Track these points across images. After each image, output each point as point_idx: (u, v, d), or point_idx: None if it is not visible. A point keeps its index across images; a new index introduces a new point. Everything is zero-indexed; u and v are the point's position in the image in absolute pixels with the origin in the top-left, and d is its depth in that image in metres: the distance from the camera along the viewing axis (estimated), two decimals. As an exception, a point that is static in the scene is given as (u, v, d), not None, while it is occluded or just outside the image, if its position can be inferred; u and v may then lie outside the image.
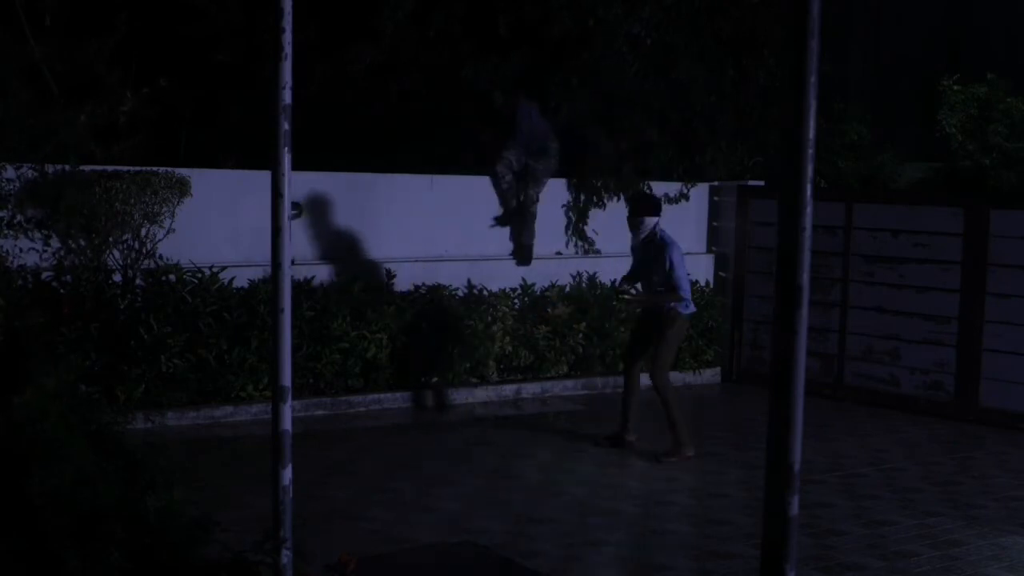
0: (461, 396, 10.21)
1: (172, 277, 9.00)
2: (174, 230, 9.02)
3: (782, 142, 2.68)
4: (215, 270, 9.21)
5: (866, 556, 6.37)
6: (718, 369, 11.94)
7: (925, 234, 10.47)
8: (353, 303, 9.71)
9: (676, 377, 11.44)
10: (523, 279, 11.03)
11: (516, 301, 10.79)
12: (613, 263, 11.14)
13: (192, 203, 9.18)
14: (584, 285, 11.25)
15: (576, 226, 11.61)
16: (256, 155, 9.32)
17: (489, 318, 10.38)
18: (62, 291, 8.54)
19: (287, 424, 4.22)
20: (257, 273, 9.41)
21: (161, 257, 9.02)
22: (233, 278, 9.27)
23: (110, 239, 8.77)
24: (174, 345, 8.73)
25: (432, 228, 10.83)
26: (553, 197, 11.52)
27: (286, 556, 4.18)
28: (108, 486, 4.23)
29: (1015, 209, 9.95)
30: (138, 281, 8.94)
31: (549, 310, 10.77)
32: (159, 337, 8.65)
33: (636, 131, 11.59)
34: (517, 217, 11.06)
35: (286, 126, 4.11)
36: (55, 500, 4.02)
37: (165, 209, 8.92)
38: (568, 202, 11.58)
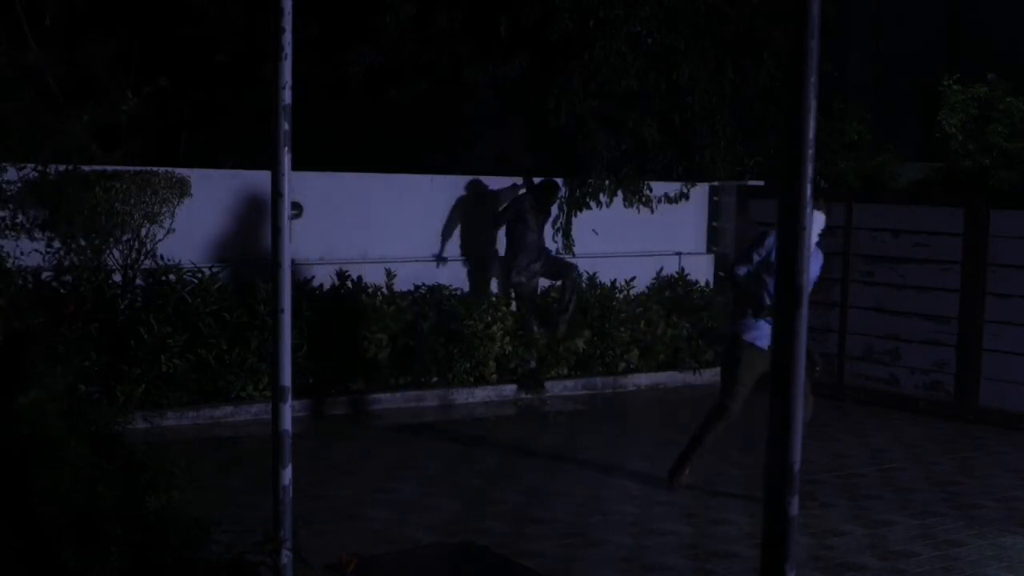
0: (461, 396, 10.21)
1: (172, 277, 9.01)
2: (174, 230, 9.02)
3: (782, 142, 2.68)
4: (215, 269, 9.22)
5: (866, 556, 6.37)
6: (718, 369, 11.90)
7: (925, 234, 10.47)
8: (353, 303, 9.71)
9: (676, 377, 11.48)
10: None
11: (516, 302, 10.79)
12: (613, 263, 11.16)
13: (191, 203, 9.18)
14: (584, 285, 11.25)
15: (567, 226, 11.61)
16: (256, 155, 9.35)
17: (489, 318, 10.38)
18: (62, 291, 8.55)
19: (287, 424, 4.22)
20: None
21: (161, 257, 9.03)
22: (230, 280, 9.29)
23: (110, 239, 8.77)
24: (174, 345, 8.73)
25: (432, 228, 10.83)
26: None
27: (286, 556, 4.18)
28: (108, 486, 4.23)
29: (1015, 209, 9.95)
30: (138, 281, 8.95)
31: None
32: (159, 337, 8.65)
33: (636, 131, 11.59)
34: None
35: (286, 126, 4.11)
36: (55, 500, 4.02)
37: (165, 209, 8.93)
38: (564, 201, 11.58)
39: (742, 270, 7.15)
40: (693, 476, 7.91)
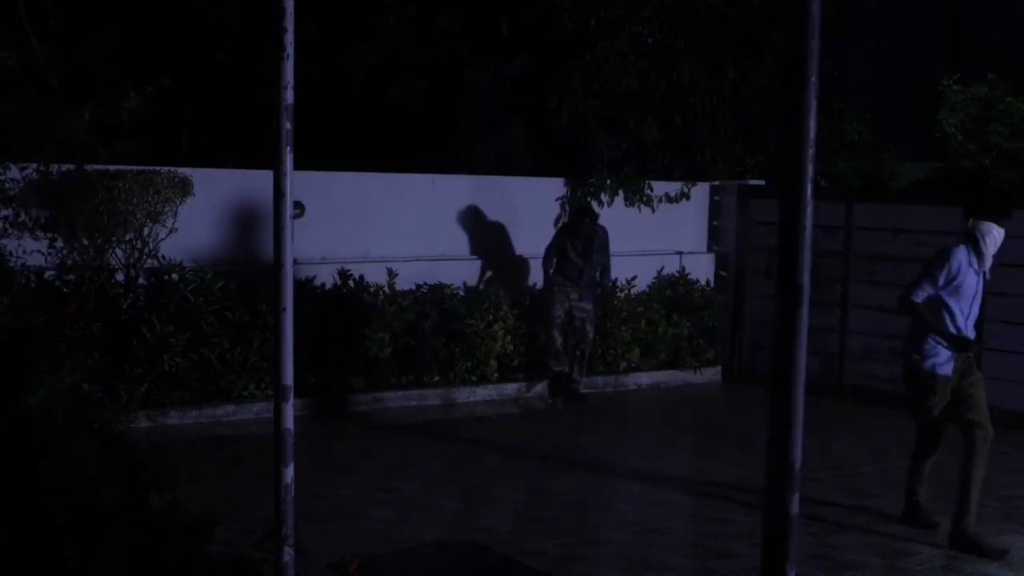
0: (463, 395, 10.22)
1: (175, 276, 9.02)
2: (176, 229, 9.03)
3: (782, 142, 2.69)
4: (218, 269, 9.24)
5: (866, 555, 6.38)
6: (719, 368, 11.94)
7: (925, 234, 10.45)
8: (355, 302, 9.73)
9: (677, 376, 11.50)
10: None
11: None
12: (614, 262, 11.14)
13: (194, 202, 9.19)
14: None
15: None
16: (256, 155, 9.37)
17: (491, 317, 10.39)
18: (65, 290, 8.56)
19: (289, 423, 4.23)
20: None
21: (164, 256, 9.05)
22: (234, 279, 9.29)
23: (113, 238, 8.78)
24: (176, 344, 8.74)
25: (434, 228, 10.84)
26: (552, 195, 11.53)
27: (288, 554, 4.19)
28: (111, 486, 4.24)
29: (1015, 208, 9.94)
30: (140, 280, 8.96)
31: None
32: (161, 336, 8.67)
33: (637, 131, 11.60)
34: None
35: (288, 126, 4.12)
36: (60, 499, 4.03)
37: (168, 208, 8.94)
38: (566, 201, 11.58)
39: (921, 294, 6.64)
40: (693, 475, 7.93)
